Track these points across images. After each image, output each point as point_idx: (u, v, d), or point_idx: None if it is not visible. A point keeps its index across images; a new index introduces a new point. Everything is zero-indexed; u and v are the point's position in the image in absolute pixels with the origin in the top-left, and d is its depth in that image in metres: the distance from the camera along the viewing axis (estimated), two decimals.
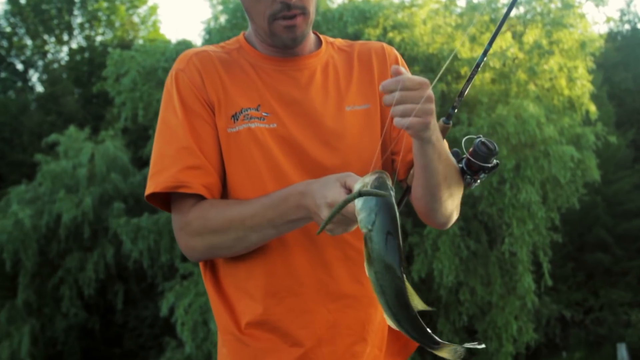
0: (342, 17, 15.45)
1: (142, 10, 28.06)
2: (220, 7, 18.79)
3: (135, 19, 27.84)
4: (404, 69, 1.79)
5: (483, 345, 1.77)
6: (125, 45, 24.43)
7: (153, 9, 28.14)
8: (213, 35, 18.00)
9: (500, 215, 13.85)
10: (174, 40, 23.72)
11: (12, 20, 27.98)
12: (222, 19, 18.58)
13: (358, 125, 2.07)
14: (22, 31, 28.13)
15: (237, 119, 1.99)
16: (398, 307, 1.64)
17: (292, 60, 2.07)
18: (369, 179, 1.65)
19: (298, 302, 2.00)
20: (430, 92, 1.78)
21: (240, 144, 1.98)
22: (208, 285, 2.09)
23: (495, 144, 2.02)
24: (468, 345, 1.74)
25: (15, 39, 28.00)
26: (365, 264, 1.64)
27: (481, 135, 2.06)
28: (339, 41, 2.20)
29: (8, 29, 28.10)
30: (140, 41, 26.19)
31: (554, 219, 14.44)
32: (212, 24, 19.05)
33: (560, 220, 14.76)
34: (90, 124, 21.28)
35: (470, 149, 2.04)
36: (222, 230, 1.93)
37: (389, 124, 2.10)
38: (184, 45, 18.93)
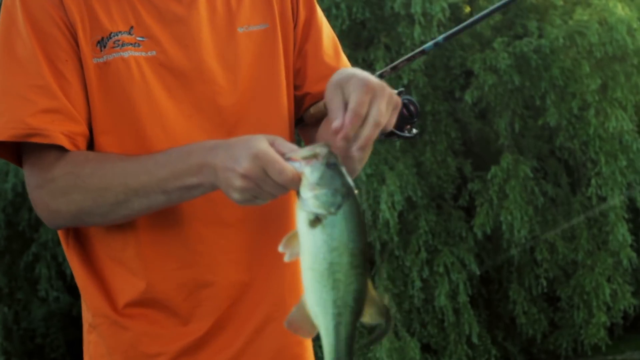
0: None
1: None
2: None
3: None
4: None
5: None
6: None
7: None
8: None
9: (584, 150, 13.77)
10: None
11: None
12: None
13: (254, 50, 2.05)
14: None
15: (104, 46, 1.93)
16: (354, 311, 1.65)
17: None
18: (320, 149, 1.68)
19: (192, 274, 1.98)
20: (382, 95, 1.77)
21: (109, 79, 1.94)
22: (72, 257, 2.05)
23: (418, 106, 2.01)
24: None
25: None
26: (305, 254, 1.67)
27: (403, 90, 2.05)
28: None
29: None
30: None
31: None
32: None
33: None
34: None
35: None
36: (97, 191, 1.89)
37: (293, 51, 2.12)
38: None
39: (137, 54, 1.94)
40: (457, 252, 13.87)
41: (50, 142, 1.88)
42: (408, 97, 2.01)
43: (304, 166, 1.68)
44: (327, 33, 2.23)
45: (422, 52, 1.97)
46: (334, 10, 14.65)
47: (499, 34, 14.09)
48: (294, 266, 2.05)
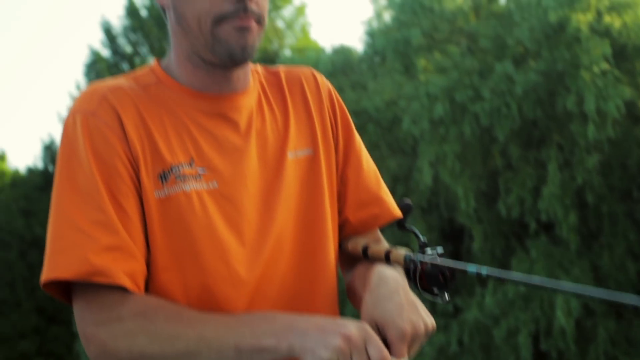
0: (540, 2, 15.29)
1: (287, 12, 28.87)
2: (383, 2, 19.07)
3: (280, 24, 28.67)
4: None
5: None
6: (269, 58, 25.18)
7: (301, 10, 28.88)
8: (376, 38, 18.27)
9: None
10: (328, 48, 24.25)
11: (132, 37, 29.52)
12: (387, 16, 18.83)
13: (301, 177, 2.09)
14: (144, 50, 29.60)
15: (166, 179, 1.95)
16: None
17: (229, 98, 2.05)
18: None
19: None
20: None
21: (171, 213, 1.95)
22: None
23: (455, 274, 1.99)
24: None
25: (137, 59, 29.50)
26: None
27: (443, 253, 2.05)
28: (259, 68, 2.18)
29: (129, 49, 29.65)
30: (288, 52, 26.91)
31: None
32: (374, 24, 19.34)
33: None
34: None
35: (419, 265, 2.04)
36: (169, 338, 1.87)
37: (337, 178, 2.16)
38: (342, 54, 19.32)
39: (198, 186, 1.96)
40: None
41: (112, 282, 1.87)
42: (446, 264, 2.00)
43: None
44: (366, 157, 2.25)
45: (464, 271, 1.97)
46: (503, 110, 14.61)
47: None
48: None
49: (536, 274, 14.02)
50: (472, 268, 1.96)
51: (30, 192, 28.62)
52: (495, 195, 15.76)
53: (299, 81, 2.18)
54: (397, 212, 2.21)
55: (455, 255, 16.91)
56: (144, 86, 2.03)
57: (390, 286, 1.94)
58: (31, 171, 30.83)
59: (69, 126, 1.97)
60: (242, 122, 2.05)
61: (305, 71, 2.22)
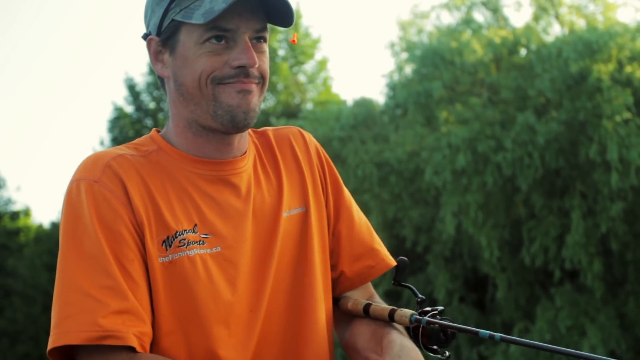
0: (561, 53, 15.43)
1: (309, 66, 29.08)
2: (404, 55, 19.25)
3: (302, 78, 28.88)
4: None
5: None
6: (291, 112, 25.38)
7: (322, 64, 29.03)
8: (398, 91, 18.42)
9: None
10: (350, 101, 24.42)
11: (155, 94, 29.80)
12: (408, 69, 19.00)
13: (294, 234, 2.15)
14: (167, 106, 29.77)
15: (170, 245, 1.99)
16: None
17: (230, 163, 2.10)
18: None
19: None
20: None
21: (175, 278, 1.99)
22: None
23: (455, 332, 2.04)
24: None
25: (160, 115, 29.75)
26: None
27: (444, 309, 2.11)
28: (249, 130, 2.22)
29: (152, 105, 29.92)
30: (309, 105, 27.11)
31: None
32: (395, 76, 19.50)
33: None
34: None
35: (421, 325, 2.09)
36: None
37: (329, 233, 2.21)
38: (364, 106, 19.46)
39: (202, 251, 2.00)
40: None
41: (123, 343, 1.89)
42: (446, 322, 2.08)
43: None
44: (356, 211, 2.31)
45: (476, 333, 2.04)
46: (526, 160, 14.69)
47: None
48: None
49: (561, 322, 14.00)
50: (483, 332, 2.03)
51: (54, 246, 28.70)
52: (518, 244, 15.79)
53: (288, 141, 2.24)
54: (392, 262, 2.26)
55: (479, 304, 16.90)
56: (145, 154, 2.07)
57: (412, 358, 1.99)
58: (55, 226, 31.03)
59: (72, 193, 1.99)
60: (243, 185, 2.09)
61: (293, 130, 2.28)
